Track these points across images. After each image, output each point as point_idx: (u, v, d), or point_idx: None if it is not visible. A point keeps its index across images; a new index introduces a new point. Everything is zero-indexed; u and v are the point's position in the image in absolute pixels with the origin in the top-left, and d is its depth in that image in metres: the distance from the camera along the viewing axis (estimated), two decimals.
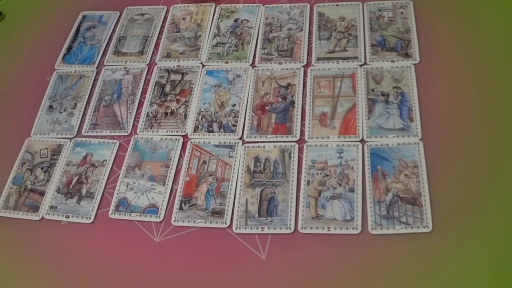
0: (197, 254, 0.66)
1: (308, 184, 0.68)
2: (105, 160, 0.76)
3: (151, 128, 0.78)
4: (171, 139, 0.76)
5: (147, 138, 0.77)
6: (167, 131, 0.77)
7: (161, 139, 0.77)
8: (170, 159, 0.74)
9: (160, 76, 0.84)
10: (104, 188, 0.74)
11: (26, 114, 0.84)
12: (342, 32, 0.81)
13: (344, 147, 0.70)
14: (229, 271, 0.64)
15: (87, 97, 0.84)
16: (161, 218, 0.69)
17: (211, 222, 0.68)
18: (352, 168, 0.68)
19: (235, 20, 0.88)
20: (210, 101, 0.79)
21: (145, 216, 0.70)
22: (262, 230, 0.66)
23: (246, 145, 0.73)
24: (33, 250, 0.70)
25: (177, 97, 0.81)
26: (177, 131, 0.77)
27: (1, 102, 0.88)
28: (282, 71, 0.80)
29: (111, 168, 0.76)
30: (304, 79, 0.78)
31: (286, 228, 0.65)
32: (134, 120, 0.80)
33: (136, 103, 0.81)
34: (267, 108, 0.76)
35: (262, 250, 0.64)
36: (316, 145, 0.71)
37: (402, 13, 0.81)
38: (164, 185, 0.72)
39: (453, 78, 0.73)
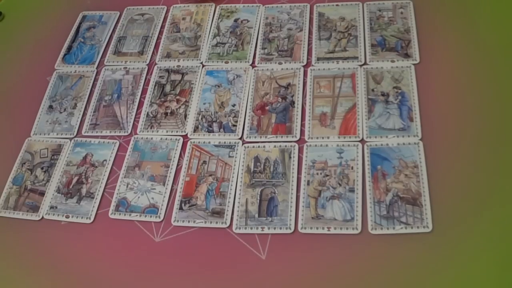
0: (197, 254, 0.66)
1: (308, 184, 0.68)
2: (105, 160, 0.76)
3: (151, 128, 0.78)
4: (171, 139, 0.76)
5: (147, 138, 0.77)
6: (167, 131, 0.77)
7: (161, 139, 0.77)
8: (170, 159, 0.74)
9: (160, 76, 0.84)
10: (104, 188, 0.74)
11: (26, 114, 0.84)
12: (342, 32, 0.81)
13: (344, 147, 0.70)
14: (229, 271, 0.64)
15: (87, 97, 0.84)
16: (161, 218, 0.69)
17: (211, 222, 0.68)
18: (352, 168, 0.68)
19: (235, 20, 0.88)
20: (210, 101, 0.79)
21: (145, 216, 0.70)
22: (262, 230, 0.66)
23: (246, 145, 0.73)
24: (33, 250, 0.70)
25: (177, 97, 0.81)
26: (177, 131, 0.77)
27: (1, 102, 0.88)
28: (282, 71, 0.80)
29: (111, 168, 0.76)
30: (304, 79, 0.78)
31: (286, 228, 0.65)
32: (134, 120, 0.80)
33: (136, 103, 0.81)
34: (267, 108, 0.76)
35: (262, 250, 0.64)
36: (316, 145, 0.71)
37: (402, 13, 0.81)
38: (164, 185, 0.72)
39: (453, 78, 0.73)
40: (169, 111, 0.79)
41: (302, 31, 0.83)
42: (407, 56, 0.77)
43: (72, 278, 0.67)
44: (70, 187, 0.75)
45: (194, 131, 0.76)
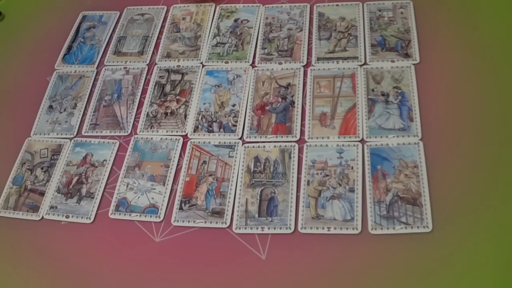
0: (197, 254, 0.66)
1: (308, 184, 0.68)
2: (105, 160, 0.76)
3: (151, 128, 0.78)
4: (171, 139, 0.76)
5: (147, 138, 0.77)
6: (167, 131, 0.77)
7: (161, 139, 0.77)
8: (170, 159, 0.74)
9: (160, 76, 0.84)
10: (104, 188, 0.74)
11: (26, 114, 0.84)
12: (342, 32, 0.81)
13: (344, 147, 0.70)
14: (229, 271, 0.64)
15: (87, 97, 0.84)
16: (161, 218, 0.69)
17: (211, 222, 0.68)
18: (352, 168, 0.68)
19: (235, 20, 0.88)
20: (210, 101, 0.79)
21: (145, 216, 0.70)
22: (262, 230, 0.66)
23: (246, 145, 0.73)
24: (33, 250, 0.70)
25: (177, 97, 0.81)
26: (177, 131, 0.77)
27: (1, 102, 0.88)
28: (282, 71, 0.80)
29: (111, 168, 0.76)
30: (304, 79, 0.78)
31: (286, 228, 0.65)
32: (134, 120, 0.80)
33: (136, 103, 0.81)
34: (267, 108, 0.76)
35: (262, 250, 0.64)
36: (316, 145, 0.71)
37: (402, 13, 0.81)
38: (164, 185, 0.72)
39: (453, 78, 0.73)
40: (169, 111, 0.79)
41: (302, 31, 0.83)
42: (407, 56, 0.77)
43: (72, 278, 0.67)
44: (70, 187, 0.75)
45: (194, 131, 0.77)
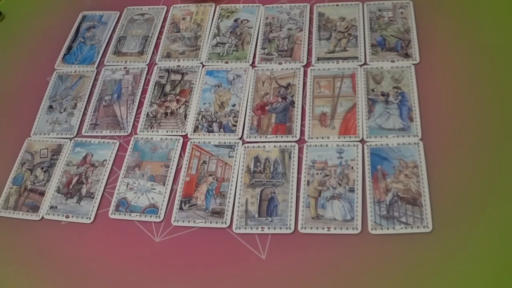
0: (197, 254, 0.66)
1: (308, 184, 0.68)
2: (105, 160, 0.76)
3: (151, 128, 0.78)
4: (171, 139, 0.76)
5: (147, 138, 0.77)
6: (167, 131, 0.77)
7: (161, 139, 0.77)
8: (170, 159, 0.74)
9: (160, 76, 0.84)
10: (104, 188, 0.74)
11: (26, 114, 0.84)
12: (342, 32, 0.81)
13: (344, 147, 0.70)
14: (229, 271, 0.64)
15: (87, 97, 0.84)
16: (161, 218, 0.69)
17: (211, 222, 0.68)
18: (352, 168, 0.68)
19: (235, 20, 0.88)
20: (210, 101, 0.79)
21: (145, 216, 0.70)
22: (262, 230, 0.66)
23: (246, 145, 0.73)
24: (33, 250, 0.70)
25: (177, 97, 0.81)
26: (177, 131, 0.77)
27: (1, 102, 0.88)
28: (282, 71, 0.80)
29: (111, 168, 0.76)
30: (304, 79, 0.78)
31: (286, 228, 0.65)
32: (134, 120, 0.80)
33: (136, 103, 0.81)
34: (267, 108, 0.76)
35: (262, 250, 0.64)
36: (316, 145, 0.71)
37: (402, 13, 0.82)
38: (164, 185, 0.72)
39: (453, 78, 0.73)
40: (169, 111, 0.79)
41: (302, 31, 0.83)
42: (407, 56, 0.77)
43: (72, 278, 0.67)
44: (70, 187, 0.75)
45: (194, 131, 0.77)
